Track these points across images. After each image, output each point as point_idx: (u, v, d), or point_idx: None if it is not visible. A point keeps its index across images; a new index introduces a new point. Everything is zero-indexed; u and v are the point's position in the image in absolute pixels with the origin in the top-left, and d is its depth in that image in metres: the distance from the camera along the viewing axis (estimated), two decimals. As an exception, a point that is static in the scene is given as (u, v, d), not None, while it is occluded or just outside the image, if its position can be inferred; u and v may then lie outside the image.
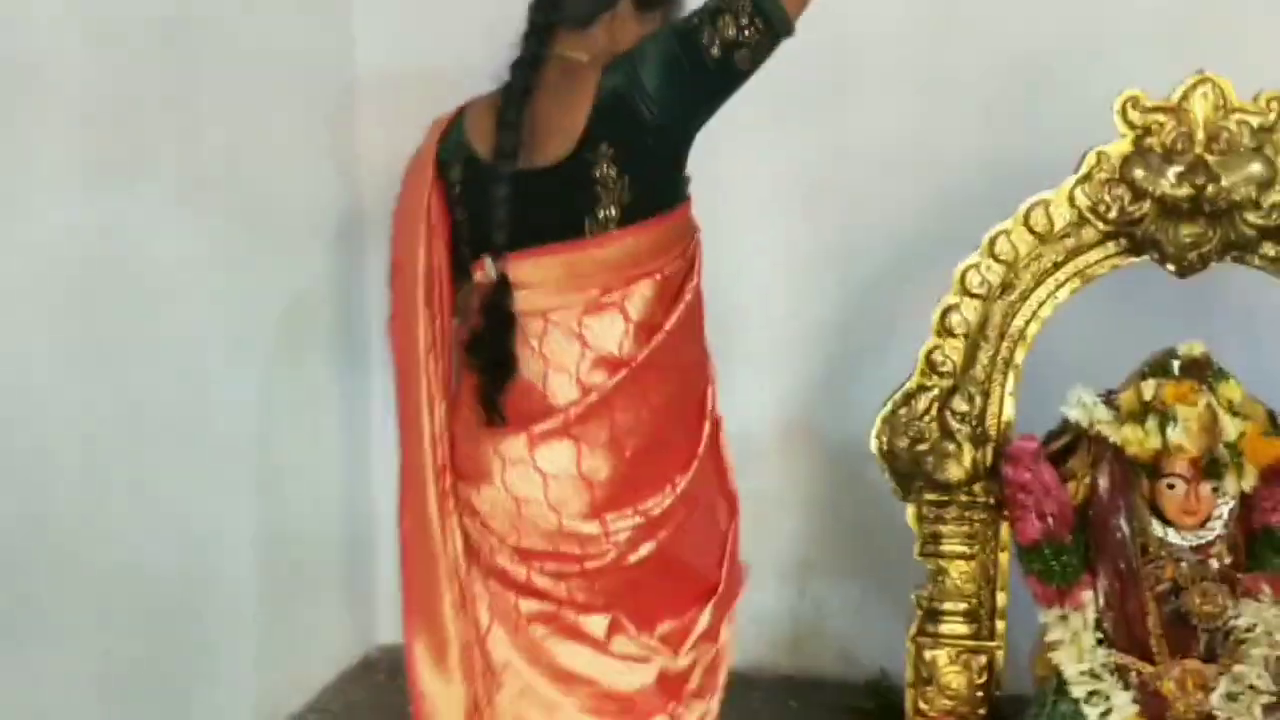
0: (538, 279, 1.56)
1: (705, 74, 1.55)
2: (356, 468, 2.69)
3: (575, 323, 1.56)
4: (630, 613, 1.58)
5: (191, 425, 2.11)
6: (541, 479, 1.54)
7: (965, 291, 1.81)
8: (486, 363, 1.59)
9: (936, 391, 1.84)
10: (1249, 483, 1.70)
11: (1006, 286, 1.80)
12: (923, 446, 1.84)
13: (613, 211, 1.57)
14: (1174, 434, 1.69)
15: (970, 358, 1.82)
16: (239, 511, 2.28)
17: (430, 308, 1.59)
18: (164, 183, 2.04)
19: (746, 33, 1.55)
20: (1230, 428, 1.69)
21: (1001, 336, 1.82)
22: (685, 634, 1.60)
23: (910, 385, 1.85)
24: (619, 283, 1.57)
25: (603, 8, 1.60)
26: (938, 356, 1.83)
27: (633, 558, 1.55)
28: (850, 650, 2.58)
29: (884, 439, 1.86)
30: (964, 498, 1.84)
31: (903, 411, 1.85)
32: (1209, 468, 1.70)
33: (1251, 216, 1.69)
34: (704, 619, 1.62)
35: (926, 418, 1.84)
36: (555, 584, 1.57)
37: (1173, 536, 1.72)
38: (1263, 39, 2.20)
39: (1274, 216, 1.69)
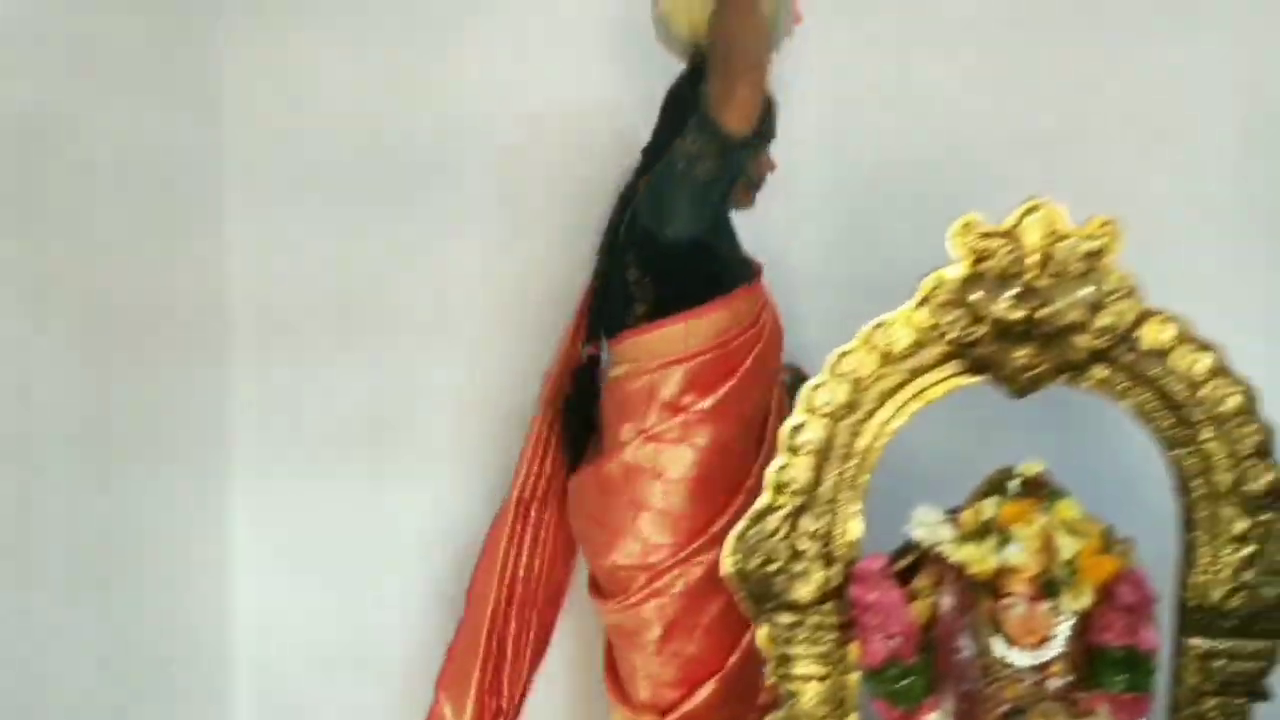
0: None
1: (682, 188, 1.91)
2: (212, 574, 2.61)
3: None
4: None
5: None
6: None
7: (812, 410, 1.82)
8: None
9: (786, 511, 1.83)
10: (1086, 601, 1.73)
11: (852, 406, 1.81)
12: (773, 566, 1.83)
13: (640, 310, 2.02)
14: (1011, 554, 1.71)
15: (818, 477, 1.83)
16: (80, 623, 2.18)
17: None
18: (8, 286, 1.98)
19: (695, 147, 1.89)
20: (1066, 547, 1.72)
21: (848, 455, 1.83)
22: None
23: (761, 504, 1.85)
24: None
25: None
26: (786, 475, 1.83)
27: None
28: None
29: (737, 558, 1.85)
30: (814, 618, 1.83)
31: (754, 531, 1.84)
32: (1047, 586, 1.72)
33: (1082, 339, 1.73)
34: None
35: (777, 537, 1.84)
36: None
37: (1014, 656, 1.74)
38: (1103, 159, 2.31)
39: (1103, 339, 1.73)
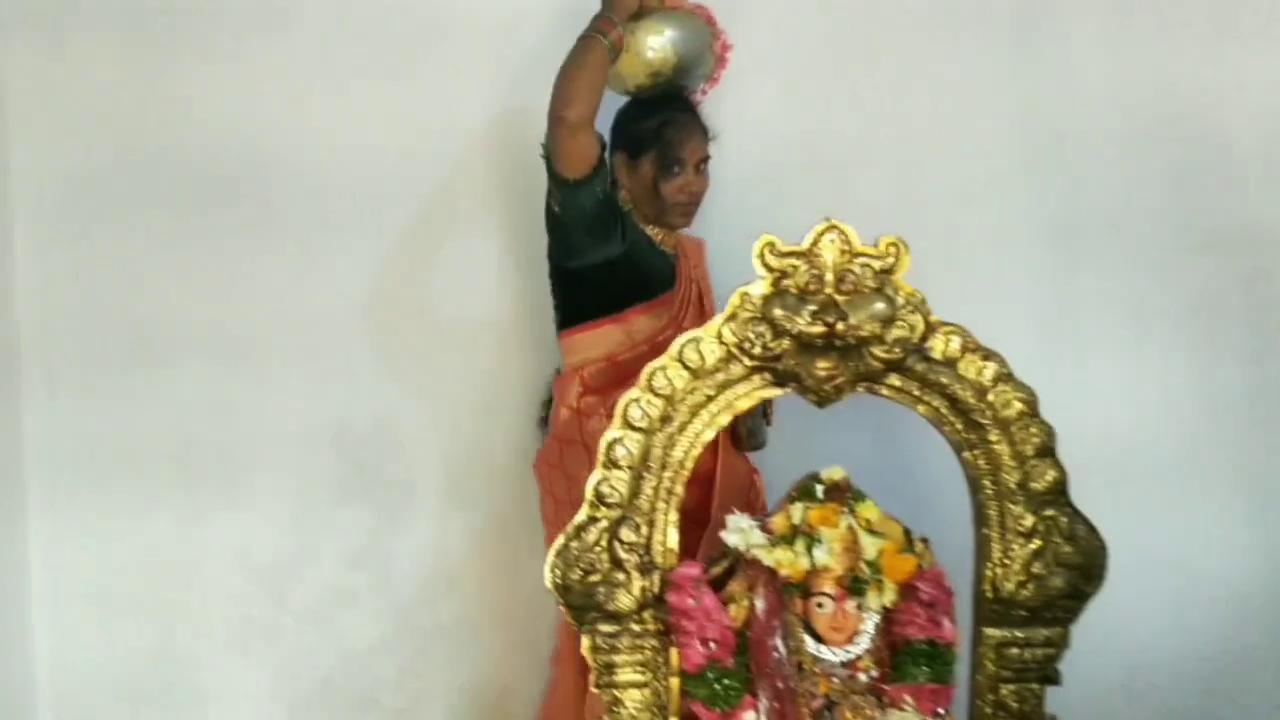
0: None
1: (554, 225, 2.21)
2: (11, 611, 2.50)
3: None
4: None
5: None
6: None
7: (628, 425, 1.88)
8: None
9: (605, 523, 1.88)
10: (889, 598, 1.83)
11: (666, 419, 1.87)
12: (594, 578, 1.88)
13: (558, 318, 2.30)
14: (820, 555, 1.80)
15: (635, 489, 1.88)
16: None
17: None
18: None
19: (550, 189, 2.17)
20: (869, 546, 1.81)
21: (664, 467, 1.89)
22: None
23: (581, 518, 1.89)
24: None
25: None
26: (605, 489, 1.88)
27: None
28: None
29: (558, 572, 1.88)
30: (635, 626, 1.88)
31: (574, 544, 1.88)
32: (853, 585, 1.81)
33: (878, 350, 1.84)
34: None
35: (597, 549, 1.88)
36: None
37: (825, 653, 1.82)
38: (889, 181, 2.45)
39: (896, 350, 1.84)
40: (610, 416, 1.95)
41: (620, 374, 2.23)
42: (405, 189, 2.51)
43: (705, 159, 2.31)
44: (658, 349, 2.11)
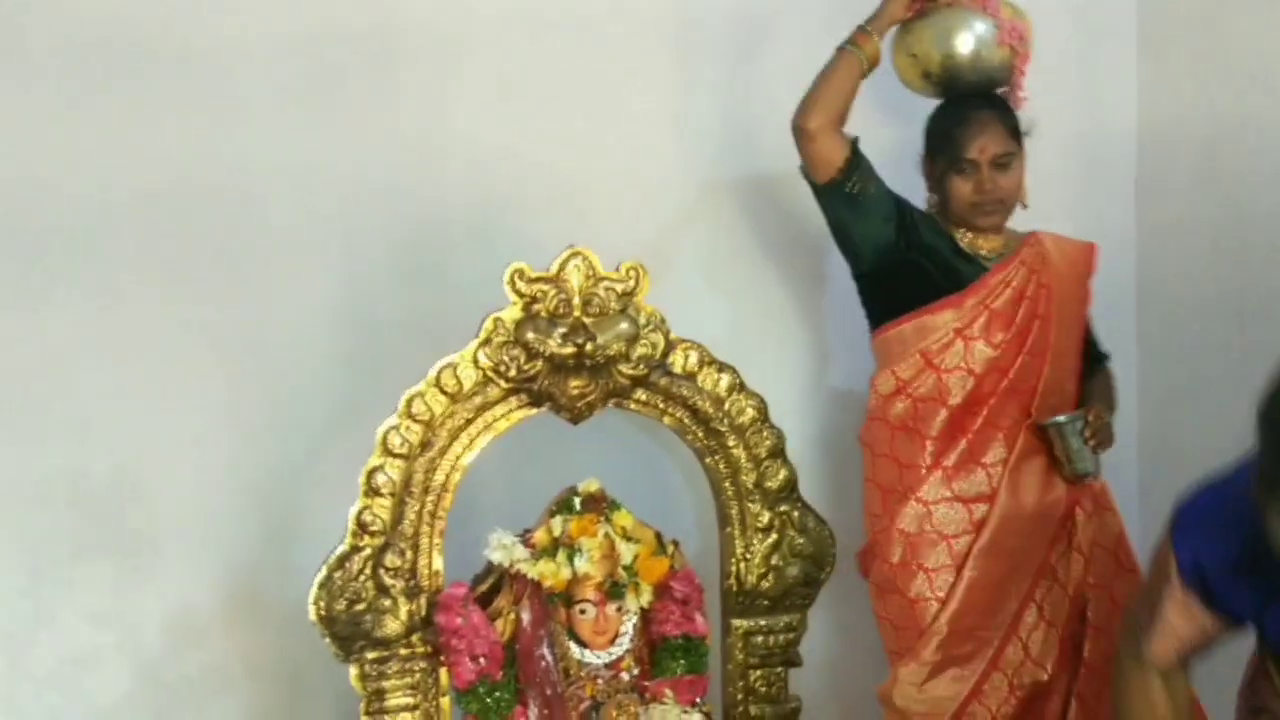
0: None
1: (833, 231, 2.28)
2: None
3: None
4: None
5: None
6: None
7: (388, 452, 1.91)
8: None
9: (369, 551, 1.91)
10: (646, 599, 1.95)
11: (426, 444, 1.93)
12: (360, 606, 1.90)
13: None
14: (581, 564, 1.89)
15: (398, 515, 1.92)
16: None
17: None
18: None
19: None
20: (626, 552, 1.93)
21: (426, 491, 1.94)
22: None
23: (343, 548, 1.90)
24: None
25: None
26: (367, 517, 1.91)
27: None
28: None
29: (321, 605, 1.89)
30: (404, 651, 1.92)
31: (338, 575, 1.90)
32: (612, 590, 1.92)
33: (624, 368, 1.96)
34: None
35: (362, 578, 1.90)
36: None
37: (589, 657, 1.92)
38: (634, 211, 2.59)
39: (640, 367, 1.97)
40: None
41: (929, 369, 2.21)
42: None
43: (1004, 155, 2.22)
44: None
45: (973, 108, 2.24)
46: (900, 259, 2.23)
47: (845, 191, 2.19)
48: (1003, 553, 2.14)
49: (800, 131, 2.18)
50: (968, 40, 2.24)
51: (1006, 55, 2.27)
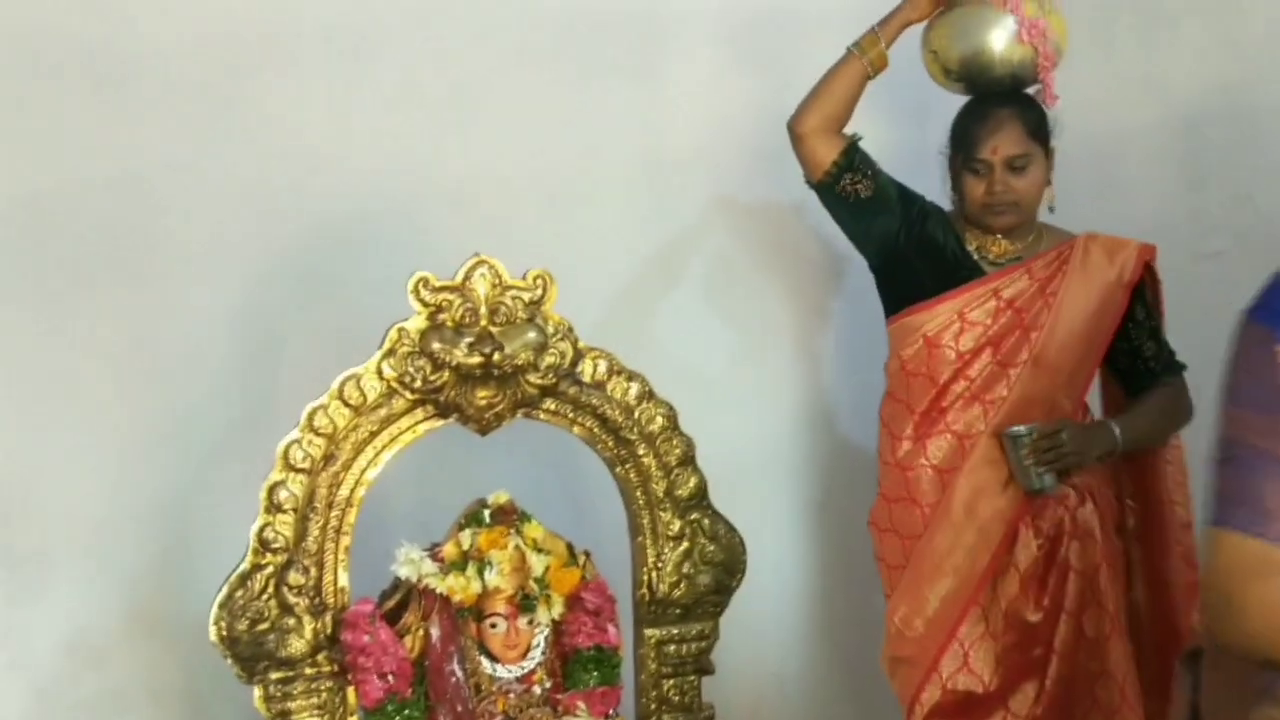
0: None
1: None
2: None
3: None
4: None
5: None
6: None
7: (290, 467, 1.86)
8: None
9: (271, 569, 1.85)
10: (558, 611, 1.92)
11: (329, 458, 1.88)
12: (263, 626, 1.84)
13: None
14: (491, 577, 1.86)
15: (301, 531, 1.87)
16: None
17: None
18: None
19: None
20: (536, 564, 1.90)
21: (330, 506, 1.89)
22: None
23: (244, 566, 1.85)
24: None
25: None
26: (269, 534, 1.85)
27: None
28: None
29: (223, 625, 1.83)
30: (309, 670, 1.87)
31: (240, 594, 1.84)
32: (523, 603, 1.89)
33: (533, 378, 1.94)
34: None
35: (264, 596, 1.85)
36: None
37: (500, 671, 1.89)
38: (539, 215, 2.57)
39: (549, 376, 1.94)
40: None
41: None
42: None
43: (1019, 157, 2.16)
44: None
45: (993, 105, 2.20)
46: (899, 253, 2.25)
47: (835, 193, 2.23)
48: (936, 555, 2.16)
49: (790, 133, 2.23)
50: (987, 38, 2.20)
51: (1029, 53, 2.20)
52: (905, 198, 2.26)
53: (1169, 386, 2.27)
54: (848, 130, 2.24)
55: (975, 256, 2.24)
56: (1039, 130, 2.21)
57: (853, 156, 2.21)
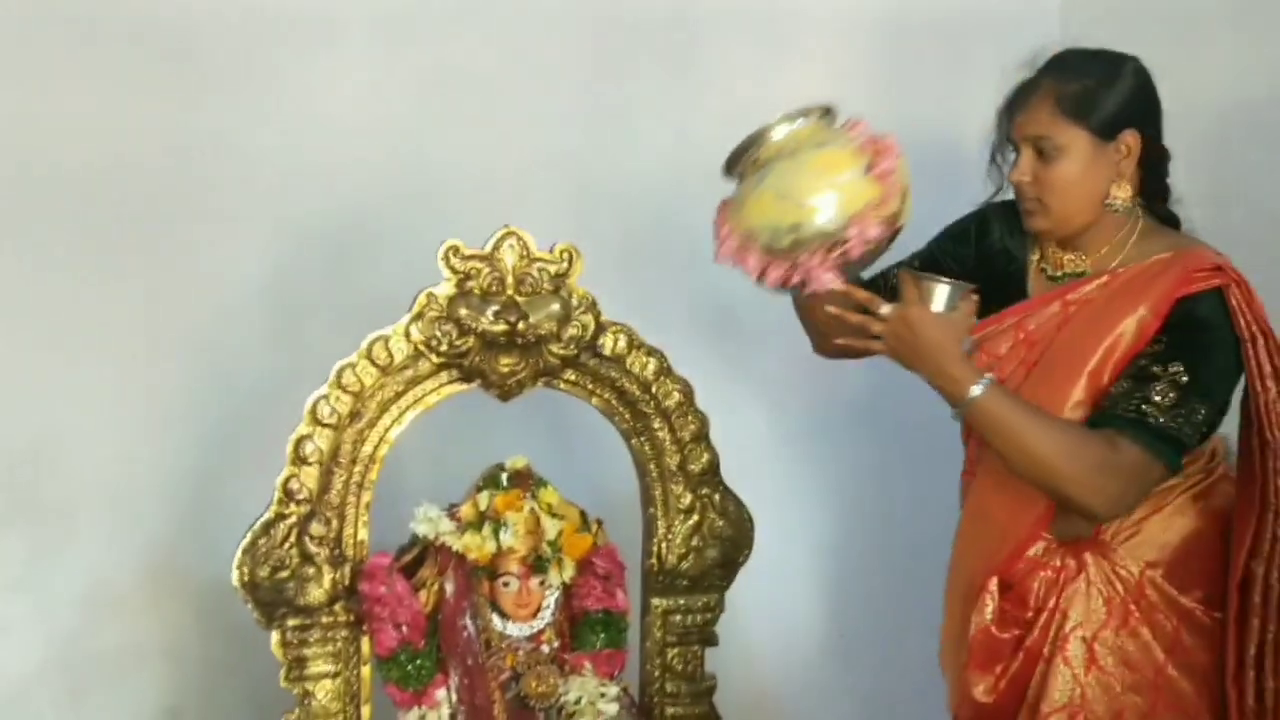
0: None
1: None
2: None
3: None
4: None
5: None
6: None
7: (317, 422, 1.92)
8: None
9: (294, 519, 1.91)
10: (569, 574, 1.98)
11: (355, 415, 1.94)
12: (284, 573, 1.90)
13: None
14: (506, 538, 1.92)
15: (325, 484, 1.93)
16: None
17: None
18: None
19: None
20: (550, 528, 1.96)
21: (353, 462, 1.95)
22: None
23: (268, 515, 1.91)
24: None
25: None
26: (294, 485, 1.91)
27: None
28: (226, 795, 2.52)
29: (245, 570, 1.89)
30: (326, 619, 1.92)
31: (263, 541, 1.90)
32: (536, 564, 1.95)
33: (555, 348, 1.99)
34: None
35: (286, 545, 1.91)
36: None
37: (511, 629, 1.95)
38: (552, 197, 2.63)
39: (571, 347, 2.00)
40: None
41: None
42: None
43: (1041, 139, 1.76)
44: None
45: (1033, 75, 1.82)
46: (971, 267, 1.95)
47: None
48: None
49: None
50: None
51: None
52: (953, 238, 1.97)
53: (1111, 439, 1.70)
54: None
55: (1031, 270, 1.88)
56: (1083, 107, 1.74)
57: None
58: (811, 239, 1.71)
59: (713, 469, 2.11)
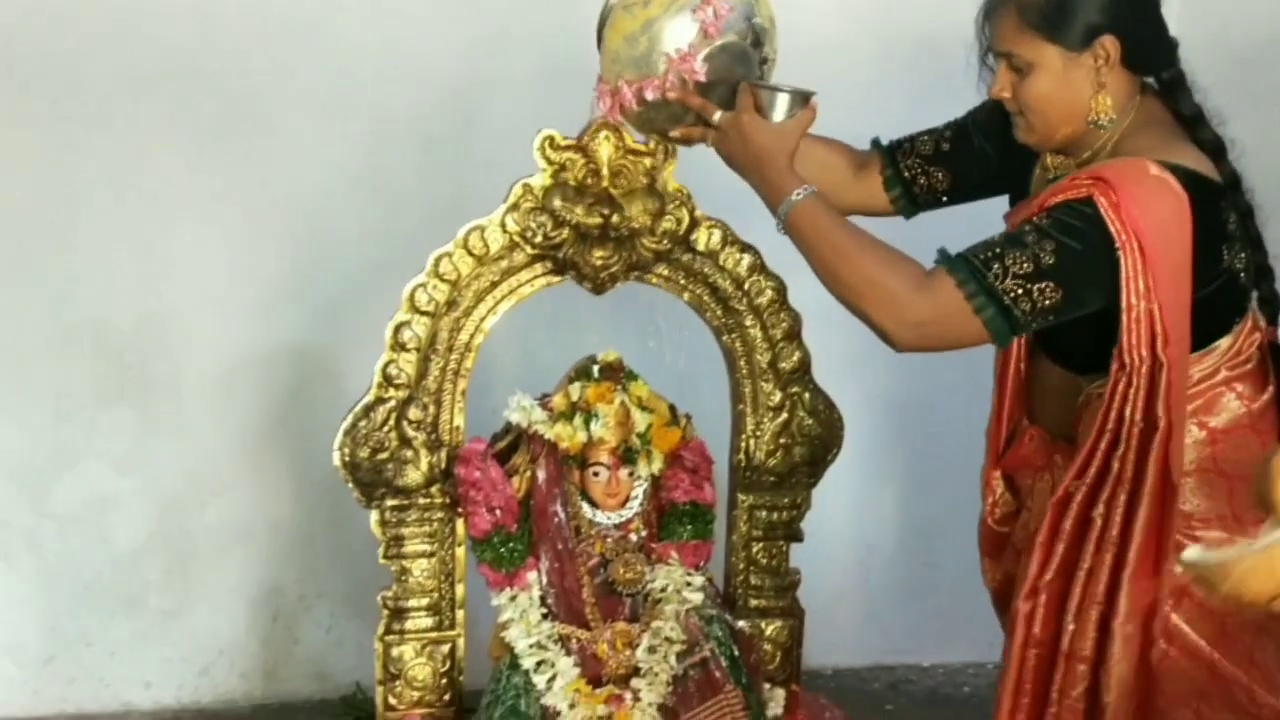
0: None
1: None
2: None
3: None
4: None
5: None
6: None
7: (415, 309, 1.96)
8: None
9: (393, 403, 1.97)
10: (657, 466, 2.00)
11: (451, 304, 1.97)
12: (383, 455, 1.96)
13: None
14: (596, 428, 1.95)
15: (423, 370, 1.97)
16: None
17: None
18: None
19: None
20: (640, 420, 1.98)
21: (450, 349, 1.99)
22: None
23: (369, 399, 1.96)
24: None
25: None
26: (393, 370, 1.96)
27: None
28: (325, 669, 2.63)
29: (346, 451, 1.95)
30: (423, 500, 1.99)
31: (363, 424, 1.96)
32: (626, 455, 1.98)
33: (648, 241, 2.00)
34: None
35: (385, 428, 1.97)
36: None
37: (600, 517, 1.99)
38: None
39: (664, 242, 2.00)
40: None
41: None
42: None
43: (1009, 54, 1.67)
44: None
45: None
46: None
47: (914, 197, 1.95)
48: None
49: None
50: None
51: None
52: (990, 111, 1.84)
53: (934, 269, 1.62)
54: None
55: (1036, 169, 1.81)
56: (1047, 18, 1.63)
57: (893, 176, 1.92)
58: (665, 29, 1.74)
59: (804, 368, 2.11)
